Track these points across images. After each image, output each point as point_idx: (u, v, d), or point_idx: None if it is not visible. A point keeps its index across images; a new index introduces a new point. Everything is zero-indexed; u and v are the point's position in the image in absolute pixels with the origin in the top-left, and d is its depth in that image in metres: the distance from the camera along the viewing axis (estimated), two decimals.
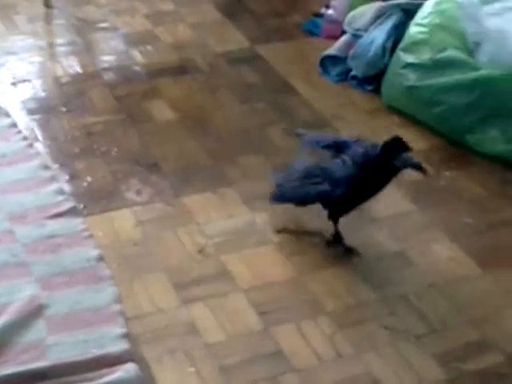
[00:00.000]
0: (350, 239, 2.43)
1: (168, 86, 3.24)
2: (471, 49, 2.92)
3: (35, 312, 2.16)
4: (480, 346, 2.13)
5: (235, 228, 2.50)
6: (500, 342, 2.13)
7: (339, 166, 2.33)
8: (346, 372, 2.04)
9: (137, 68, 3.37)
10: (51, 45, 3.56)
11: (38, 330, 2.11)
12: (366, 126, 3.00)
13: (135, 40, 3.57)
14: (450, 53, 2.88)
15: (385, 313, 2.21)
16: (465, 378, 2.04)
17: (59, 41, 3.58)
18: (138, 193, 2.64)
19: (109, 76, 3.31)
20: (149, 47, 3.51)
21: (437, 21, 2.98)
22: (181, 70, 3.35)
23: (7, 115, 3.00)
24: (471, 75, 2.81)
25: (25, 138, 2.87)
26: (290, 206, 2.49)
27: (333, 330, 2.15)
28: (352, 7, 3.44)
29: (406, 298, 2.25)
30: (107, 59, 3.44)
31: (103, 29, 3.65)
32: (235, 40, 3.57)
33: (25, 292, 2.22)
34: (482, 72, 2.78)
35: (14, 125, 2.95)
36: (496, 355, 2.10)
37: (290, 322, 2.17)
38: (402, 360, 2.07)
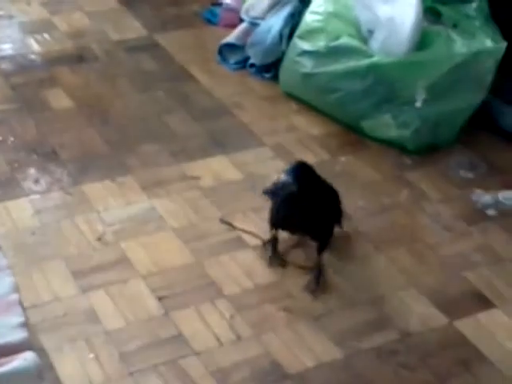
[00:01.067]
0: (246, 223, 2.47)
1: (65, 74, 3.21)
2: (365, 36, 2.99)
3: None
4: (375, 325, 2.19)
5: (134, 215, 2.51)
6: (394, 320, 2.20)
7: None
8: (245, 354, 2.07)
9: (33, 56, 3.32)
10: None
11: None
12: (264, 113, 3.04)
13: (31, 28, 3.52)
14: (345, 40, 2.94)
15: (283, 295, 2.25)
16: (360, 355, 2.09)
17: None
18: (36, 182, 2.61)
19: (4, 65, 3.26)
20: (45, 35, 3.46)
21: (331, 9, 3.03)
22: (78, 58, 3.32)
23: None
24: (364, 62, 2.87)
25: None
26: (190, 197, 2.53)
27: (231, 312, 2.18)
28: None
29: (303, 280, 2.30)
30: (2, 47, 3.38)
31: None
32: (133, 28, 3.56)
33: None
34: (375, 59, 2.85)
35: None
36: (390, 333, 2.16)
37: (189, 306, 2.19)
38: (300, 341, 2.12)
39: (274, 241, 2.39)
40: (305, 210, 2.23)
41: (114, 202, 2.55)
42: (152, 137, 2.86)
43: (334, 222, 2.36)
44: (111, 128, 2.91)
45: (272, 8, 3.30)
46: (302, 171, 2.21)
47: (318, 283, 2.28)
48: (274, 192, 2.31)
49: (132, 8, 3.70)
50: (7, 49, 3.38)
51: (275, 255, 2.37)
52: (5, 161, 2.70)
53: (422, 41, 2.87)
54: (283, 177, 2.19)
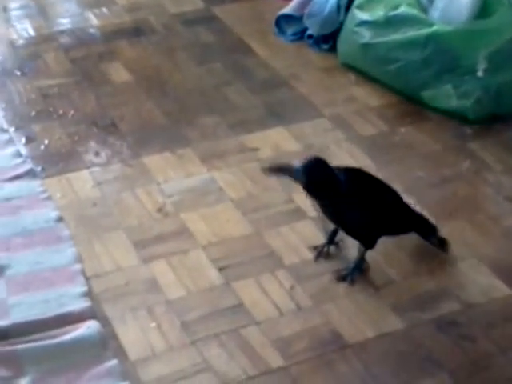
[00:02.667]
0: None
1: (124, 47, 3.23)
2: (425, 5, 2.95)
3: None
4: (436, 296, 2.17)
5: (194, 187, 2.52)
6: (456, 291, 2.18)
7: None
8: (305, 323, 2.07)
9: (92, 30, 3.35)
10: (5, 8, 3.53)
11: None
12: (322, 85, 3.03)
13: (90, 2, 3.55)
14: (404, 9, 2.90)
15: (342, 265, 2.25)
16: (421, 326, 2.08)
17: (13, 5, 3.55)
18: (96, 154, 2.64)
19: (64, 39, 3.30)
20: (104, 9, 3.49)
21: None
22: (136, 31, 3.34)
23: None
24: (424, 31, 2.83)
25: None
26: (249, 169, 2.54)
27: (291, 283, 2.18)
28: None
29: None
30: (62, 22, 3.42)
31: None
32: (190, 1, 3.57)
33: None
34: (435, 28, 2.81)
35: None
36: (451, 304, 2.14)
37: (249, 276, 2.20)
38: (360, 311, 2.11)
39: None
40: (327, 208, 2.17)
41: (173, 174, 2.56)
42: (210, 109, 2.87)
43: (376, 225, 2.21)
44: (170, 100, 2.92)
45: None
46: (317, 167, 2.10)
47: (349, 277, 2.21)
48: (278, 170, 2.23)
49: None
50: (66, 23, 3.42)
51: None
52: (65, 134, 2.73)
53: (483, 9, 2.82)
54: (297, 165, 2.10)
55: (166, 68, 3.12)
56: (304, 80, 3.04)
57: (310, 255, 2.27)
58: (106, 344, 1.99)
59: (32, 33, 3.32)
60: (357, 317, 2.09)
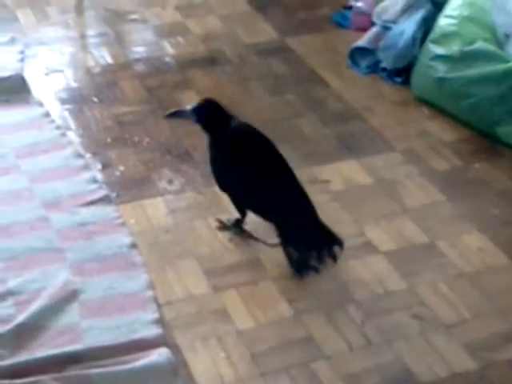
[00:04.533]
0: (377, 229, 2.46)
1: (198, 76, 3.27)
2: (501, 41, 2.93)
3: (69, 297, 2.20)
4: (510, 336, 2.14)
5: None
6: None
7: None
8: (376, 360, 2.06)
9: (167, 59, 3.40)
10: (83, 36, 3.61)
11: (72, 315, 2.15)
12: (395, 118, 3.02)
13: (166, 31, 3.60)
14: (480, 45, 2.89)
15: (414, 302, 2.23)
16: (495, 367, 2.05)
17: (90, 32, 3.63)
18: (170, 182, 2.67)
19: (139, 67, 3.35)
20: (179, 38, 3.54)
21: (466, 13, 2.99)
22: (211, 61, 3.38)
23: (40, 105, 3.05)
24: (501, 67, 2.81)
25: (58, 127, 2.92)
26: (320, 201, 2.54)
27: (362, 318, 2.17)
28: None
29: (435, 288, 2.26)
30: (138, 50, 3.48)
31: (134, 20, 3.70)
32: (264, 32, 3.60)
33: (59, 277, 2.26)
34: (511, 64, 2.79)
35: (48, 114, 2.99)
36: None
37: (319, 309, 2.20)
38: (431, 350, 2.09)
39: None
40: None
41: None
42: (283, 139, 2.86)
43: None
44: None
45: (405, 12, 3.27)
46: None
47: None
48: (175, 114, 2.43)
49: (263, 12, 3.73)
50: (142, 51, 3.47)
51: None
52: (140, 161, 2.77)
53: None
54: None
55: (239, 98, 3.15)
56: (377, 113, 3.04)
57: (382, 290, 2.26)
58: (176, 372, 2.01)
59: (109, 60, 3.38)
60: (428, 355, 2.07)
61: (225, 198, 2.57)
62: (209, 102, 2.37)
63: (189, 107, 2.37)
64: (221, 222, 2.47)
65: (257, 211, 2.36)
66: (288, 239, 2.28)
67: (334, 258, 2.28)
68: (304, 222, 2.27)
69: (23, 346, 2.05)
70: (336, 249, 2.27)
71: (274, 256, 2.37)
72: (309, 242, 2.27)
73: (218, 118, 2.35)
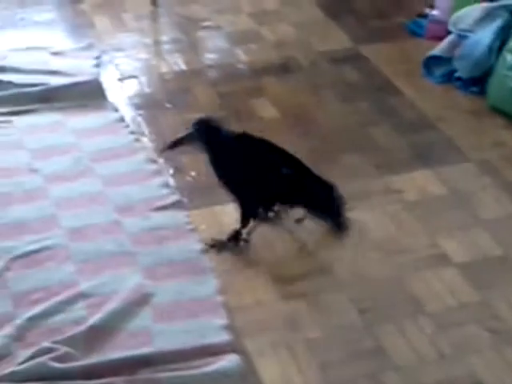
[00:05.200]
0: (451, 240, 2.42)
1: (271, 84, 3.28)
2: None
3: (141, 300, 2.22)
4: None
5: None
6: None
7: None
8: (447, 373, 2.02)
9: (240, 66, 3.42)
10: (157, 42, 3.65)
11: (143, 318, 2.17)
12: (470, 128, 2.98)
13: (239, 38, 3.62)
14: None
15: (487, 315, 2.19)
16: None
17: (164, 38, 3.67)
18: None
19: (212, 73, 3.37)
20: (252, 45, 3.56)
21: None
22: (283, 68, 3.39)
23: (115, 110, 3.09)
24: None
25: (132, 132, 2.95)
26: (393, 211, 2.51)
27: (433, 330, 2.14)
28: (457, 7, 3.40)
29: (509, 301, 2.22)
30: (211, 57, 3.51)
31: (207, 27, 3.72)
32: (338, 39, 3.59)
33: (131, 281, 2.28)
34: None
35: (122, 119, 3.04)
36: None
37: (389, 319, 2.17)
38: (505, 363, 2.04)
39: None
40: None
41: None
42: (355, 148, 2.87)
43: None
44: (314, 138, 2.94)
45: (481, 21, 3.22)
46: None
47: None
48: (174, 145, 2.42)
49: (337, 19, 3.72)
50: (215, 58, 3.50)
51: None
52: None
53: None
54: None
55: (312, 105, 3.14)
56: (451, 123, 3.00)
57: (454, 302, 2.22)
58: (245, 378, 2.01)
59: (182, 66, 3.42)
60: (502, 369, 2.03)
61: None
62: (202, 121, 2.38)
63: (184, 134, 2.39)
64: (213, 244, 2.44)
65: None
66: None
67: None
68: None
69: (95, 348, 2.08)
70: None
71: (345, 264, 2.35)
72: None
73: (216, 133, 2.36)
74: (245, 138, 2.41)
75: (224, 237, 2.43)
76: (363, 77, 3.31)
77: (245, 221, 2.40)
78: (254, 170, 2.36)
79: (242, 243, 2.42)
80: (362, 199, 2.61)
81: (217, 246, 2.42)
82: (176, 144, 2.42)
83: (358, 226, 2.50)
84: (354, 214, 2.54)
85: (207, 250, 2.40)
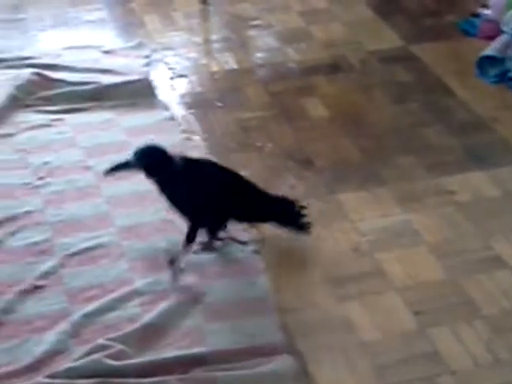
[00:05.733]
0: (506, 243, 2.40)
1: (321, 83, 3.26)
2: None
3: (194, 299, 2.23)
4: None
5: (389, 227, 2.49)
6: None
7: None
8: (504, 378, 2.00)
9: (290, 65, 3.41)
10: (207, 41, 3.66)
11: (196, 317, 2.18)
12: None
13: (289, 37, 3.61)
14: None
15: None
16: None
17: (214, 37, 3.68)
18: (292, 188, 2.67)
19: (263, 72, 3.37)
20: (302, 44, 3.55)
21: None
22: (334, 67, 3.37)
23: (166, 108, 3.11)
24: None
25: (183, 131, 2.96)
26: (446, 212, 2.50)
27: (489, 334, 2.11)
28: (510, 7, 3.36)
29: None
30: (261, 56, 3.51)
31: (257, 26, 3.72)
32: (388, 39, 3.56)
33: (184, 280, 2.29)
34: None
35: (173, 118, 3.05)
36: None
37: (444, 323, 2.15)
38: None
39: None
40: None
41: (368, 213, 2.55)
42: (407, 149, 2.85)
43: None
44: (365, 138, 2.92)
45: None
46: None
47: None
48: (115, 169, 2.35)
49: (388, 18, 3.70)
50: (265, 57, 3.49)
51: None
52: (263, 166, 2.79)
53: None
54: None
55: (362, 105, 3.13)
56: (505, 123, 2.96)
57: (510, 306, 2.20)
58: (298, 379, 2.00)
59: (232, 65, 3.42)
60: None
61: (347, 208, 2.57)
62: (144, 149, 2.31)
63: (124, 160, 2.33)
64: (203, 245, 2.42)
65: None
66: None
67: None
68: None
69: (148, 346, 2.09)
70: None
71: (399, 266, 2.34)
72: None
73: (163, 160, 2.30)
74: (189, 163, 2.34)
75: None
76: (414, 76, 3.28)
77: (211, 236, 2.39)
78: (202, 195, 2.30)
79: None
80: (415, 200, 2.60)
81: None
82: (115, 169, 2.37)
83: (410, 227, 2.48)
84: (407, 215, 2.53)
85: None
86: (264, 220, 2.42)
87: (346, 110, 3.10)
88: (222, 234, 2.41)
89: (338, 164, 2.79)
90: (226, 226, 2.39)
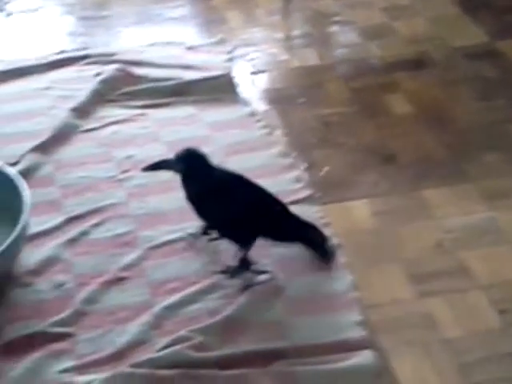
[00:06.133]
0: None
1: (404, 79, 3.22)
2: None
3: (274, 293, 2.23)
4: None
5: (473, 225, 2.45)
6: None
7: None
8: None
9: (372, 61, 3.38)
10: (288, 37, 3.65)
11: (277, 311, 2.18)
12: None
13: (371, 33, 3.58)
14: None
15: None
16: None
17: (296, 33, 3.67)
18: (375, 184, 2.65)
19: (344, 68, 3.35)
20: (385, 40, 3.51)
21: None
22: (417, 63, 3.33)
23: (247, 104, 3.11)
24: None
25: (264, 127, 2.96)
26: None
27: None
28: None
29: None
30: (343, 52, 3.49)
31: (339, 22, 3.70)
32: (473, 35, 3.50)
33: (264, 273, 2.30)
34: None
35: (254, 113, 3.05)
36: None
37: None
38: None
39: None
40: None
41: (452, 210, 2.51)
42: (493, 146, 2.79)
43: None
44: (449, 135, 2.88)
45: None
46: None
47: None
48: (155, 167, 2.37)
49: (473, 14, 3.63)
50: (347, 53, 3.47)
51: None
52: (344, 162, 2.77)
53: None
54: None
55: (446, 102, 3.08)
56: None
57: None
58: (380, 375, 1.99)
59: (314, 61, 3.41)
60: None
61: (431, 204, 2.54)
62: (192, 152, 2.31)
63: (164, 159, 2.36)
64: (223, 272, 2.33)
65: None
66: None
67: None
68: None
69: (230, 339, 2.09)
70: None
71: (483, 263, 2.29)
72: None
73: (202, 167, 2.29)
74: (224, 175, 2.33)
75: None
76: (501, 73, 3.22)
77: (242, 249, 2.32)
78: (235, 210, 2.26)
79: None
80: (500, 198, 2.55)
81: (229, 271, 2.32)
82: (155, 167, 2.38)
83: (495, 224, 2.44)
84: (492, 213, 2.48)
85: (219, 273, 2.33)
86: (290, 240, 2.33)
87: (430, 106, 3.06)
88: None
89: (422, 160, 2.75)
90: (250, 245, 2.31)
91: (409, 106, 3.04)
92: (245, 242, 2.30)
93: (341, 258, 2.35)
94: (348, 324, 2.12)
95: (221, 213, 2.29)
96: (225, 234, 2.35)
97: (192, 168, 2.30)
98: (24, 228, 2.26)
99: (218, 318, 2.15)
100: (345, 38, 3.60)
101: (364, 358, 2.01)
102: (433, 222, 2.47)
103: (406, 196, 2.58)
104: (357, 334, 2.09)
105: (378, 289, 2.25)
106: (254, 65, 3.41)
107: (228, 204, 2.26)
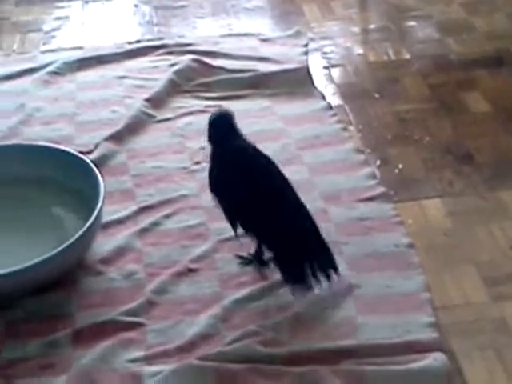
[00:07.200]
0: None
1: (483, 77, 3.16)
2: None
3: (346, 291, 2.21)
4: None
5: None
6: None
7: None
8: None
9: (451, 57, 3.32)
10: (365, 31, 3.62)
11: (348, 309, 2.15)
12: None
13: (449, 28, 3.51)
14: None
15: None
16: None
17: (372, 27, 3.63)
18: (450, 183, 2.60)
19: (422, 64, 3.30)
20: (464, 36, 3.45)
21: None
22: (497, 61, 3.25)
23: (323, 98, 3.09)
24: None
25: (339, 121, 2.94)
26: None
27: None
28: None
29: None
30: (420, 47, 3.43)
31: (417, 17, 3.64)
32: None
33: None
34: None
35: (329, 108, 3.03)
36: None
37: None
38: None
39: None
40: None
41: None
42: None
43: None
44: None
45: None
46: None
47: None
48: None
49: None
50: (425, 48, 3.42)
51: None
52: (420, 159, 2.73)
53: None
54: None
55: None
56: None
57: None
58: (450, 379, 1.95)
59: (390, 56, 3.36)
60: None
61: (508, 206, 2.48)
62: (224, 114, 2.23)
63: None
64: (241, 257, 2.30)
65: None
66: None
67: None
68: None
69: (299, 335, 2.08)
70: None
71: None
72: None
73: (229, 131, 2.20)
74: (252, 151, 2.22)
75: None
76: None
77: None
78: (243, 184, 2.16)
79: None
80: None
81: (244, 262, 2.30)
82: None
83: None
84: None
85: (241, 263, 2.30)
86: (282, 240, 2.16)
87: (509, 105, 2.99)
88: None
89: (499, 160, 2.69)
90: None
91: (487, 104, 2.98)
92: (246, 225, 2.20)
93: (414, 257, 2.32)
94: (419, 325, 2.09)
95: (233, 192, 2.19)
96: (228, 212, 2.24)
97: (217, 132, 2.21)
98: (98, 217, 2.28)
99: (287, 313, 2.14)
100: (422, 33, 3.54)
101: (435, 360, 1.97)
102: (509, 223, 2.41)
103: (482, 197, 2.53)
104: (428, 335, 2.05)
105: (451, 290, 2.21)
106: (329, 58, 3.38)
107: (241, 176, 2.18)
